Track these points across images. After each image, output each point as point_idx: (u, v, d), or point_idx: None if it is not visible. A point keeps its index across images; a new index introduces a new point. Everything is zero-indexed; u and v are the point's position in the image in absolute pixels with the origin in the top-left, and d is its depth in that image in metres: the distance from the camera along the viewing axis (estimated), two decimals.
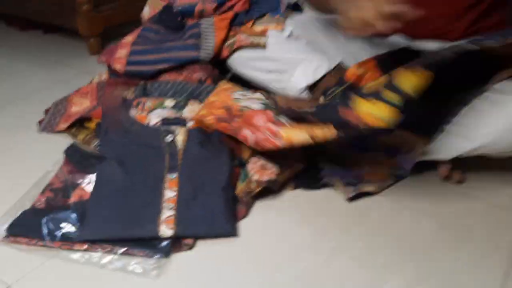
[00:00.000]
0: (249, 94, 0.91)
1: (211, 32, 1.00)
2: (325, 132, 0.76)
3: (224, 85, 0.95)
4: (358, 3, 0.76)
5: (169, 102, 0.94)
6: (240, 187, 0.81)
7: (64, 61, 1.46)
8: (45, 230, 0.73)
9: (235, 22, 1.03)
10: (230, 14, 1.02)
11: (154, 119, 0.92)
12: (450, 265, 0.69)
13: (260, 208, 0.81)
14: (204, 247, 0.73)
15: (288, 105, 0.91)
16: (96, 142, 0.94)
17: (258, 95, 0.91)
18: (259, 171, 0.80)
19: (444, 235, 0.75)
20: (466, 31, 0.93)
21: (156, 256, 0.70)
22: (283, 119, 0.83)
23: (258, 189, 0.80)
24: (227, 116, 0.85)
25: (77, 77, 1.31)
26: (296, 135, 0.77)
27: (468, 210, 0.80)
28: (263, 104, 0.87)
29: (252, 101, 0.87)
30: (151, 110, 0.93)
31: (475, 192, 0.84)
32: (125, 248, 0.71)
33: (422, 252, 0.72)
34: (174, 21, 1.09)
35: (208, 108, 0.88)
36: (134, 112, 0.92)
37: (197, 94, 0.97)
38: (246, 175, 0.82)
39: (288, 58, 0.99)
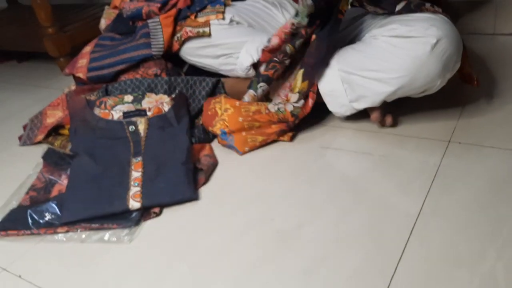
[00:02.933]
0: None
1: (159, 30, 1.11)
2: None
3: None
4: None
5: (128, 98, 1.05)
6: None
7: (39, 83, 1.57)
8: (30, 221, 0.83)
9: (180, 18, 1.13)
10: (173, 11, 1.12)
11: (116, 114, 1.02)
12: (379, 193, 0.79)
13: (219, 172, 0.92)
14: (170, 213, 0.83)
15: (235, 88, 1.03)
16: (70, 145, 1.04)
17: None
18: None
19: (377, 170, 0.85)
20: None
21: (128, 226, 0.80)
22: None
23: None
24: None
25: (53, 96, 1.39)
26: None
27: (399, 146, 0.90)
28: None
29: None
30: (112, 106, 1.03)
31: (406, 131, 0.94)
32: (100, 224, 0.81)
33: (355, 185, 0.81)
34: (126, 26, 1.19)
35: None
36: (97, 111, 1.02)
37: (153, 86, 1.07)
38: None
39: (232, 42, 1.09)
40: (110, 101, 1.03)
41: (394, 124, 0.96)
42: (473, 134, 0.89)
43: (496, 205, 0.71)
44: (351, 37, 1.10)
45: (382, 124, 0.96)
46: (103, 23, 1.30)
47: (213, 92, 1.10)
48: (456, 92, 1.01)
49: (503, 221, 0.68)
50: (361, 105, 0.93)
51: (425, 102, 0.97)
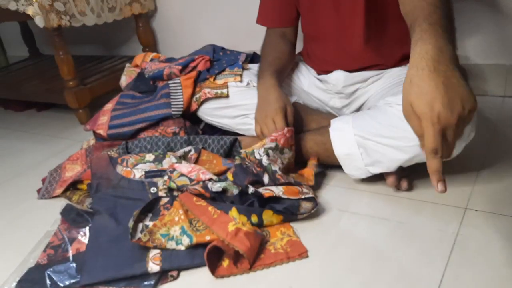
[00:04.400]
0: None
1: (179, 90, 1.15)
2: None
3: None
4: (267, 122, 1.03)
5: (149, 157, 1.07)
6: None
7: (58, 134, 1.60)
8: (48, 282, 0.84)
9: (199, 79, 1.17)
10: (194, 73, 1.17)
11: (138, 173, 1.04)
12: (399, 264, 0.78)
13: None
14: (187, 277, 0.83)
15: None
16: (88, 201, 1.05)
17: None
18: None
19: (395, 236, 0.85)
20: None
21: None
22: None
23: None
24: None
25: (71, 147, 1.44)
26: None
27: (416, 212, 0.91)
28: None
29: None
30: (134, 165, 1.05)
31: (422, 196, 0.95)
32: (118, 287, 0.81)
33: (374, 254, 0.81)
34: (147, 85, 1.24)
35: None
36: (119, 169, 1.04)
37: (173, 145, 1.10)
38: None
39: (249, 104, 1.13)
40: (131, 159, 1.06)
41: (410, 189, 0.97)
42: (489, 201, 0.90)
43: None
44: (364, 99, 1.13)
45: (397, 188, 0.97)
46: (124, 80, 1.35)
47: (230, 150, 1.12)
48: (471, 157, 1.02)
49: None
50: (376, 170, 0.95)
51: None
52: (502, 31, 1.23)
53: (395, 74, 1.08)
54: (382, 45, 1.07)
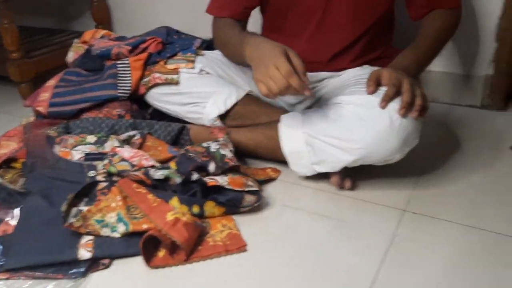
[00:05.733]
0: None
1: (128, 72, 1.10)
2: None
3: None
4: (269, 73, 0.87)
5: (91, 138, 1.02)
6: None
7: None
8: None
9: (149, 62, 1.13)
10: (144, 55, 1.12)
11: (77, 154, 0.99)
12: (338, 257, 0.79)
13: None
14: (120, 265, 0.80)
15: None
16: (22, 181, 0.99)
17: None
18: None
19: (335, 234, 0.85)
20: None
21: (73, 277, 0.76)
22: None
23: None
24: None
25: (10, 123, 1.35)
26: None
27: (357, 211, 0.92)
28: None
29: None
30: (73, 146, 1.00)
31: (363, 196, 0.96)
32: (45, 273, 0.77)
33: (316, 249, 0.82)
34: (94, 63, 1.18)
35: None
36: (57, 149, 0.99)
37: (117, 128, 1.05)
38: None
39: (200, 92, 1.10)
40: (71, 140, 1.00)
41: (353, 188, 0.98)
42: (428, 205, 0.92)
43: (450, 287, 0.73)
44: (318, 96, 1.13)
45: (341, 187, 0.97)
46: (71, 56, 1.28)
47: (177, 138, 1.09)
48: (413, 162, 1.04)
49: None
50: (322, 169, 0.95)
51: (384, 168, 0.99)
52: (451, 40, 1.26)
53: (352, 74, 1.08)
54: (353, 55, 1.10)
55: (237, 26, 1.10)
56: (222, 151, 0.96)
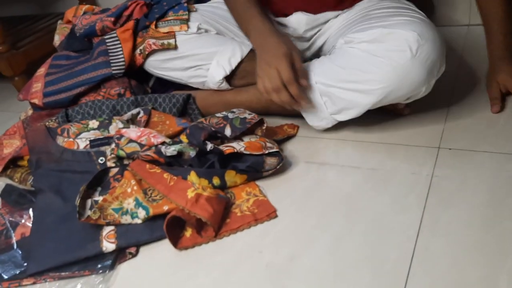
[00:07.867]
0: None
1: (118, 45, 1.02)
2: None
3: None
4: (269, 73, 0.86)
5: (93, 124, 0.96)
6: None
7: None
8: None
9: (139, 28, 1.03)
10: (131, 23, 1.03)
11: (82, 143, 0.93)
12: (373, 213, 0.73)
13: None
14: (147, 252, 0.76)
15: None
16: (31, 179, 0.95)
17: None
18: None
19: (367, 185, 0.79)
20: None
21: (101, 272, 0.72)
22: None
23: None
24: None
25: (10, 120, 1.30)
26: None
27: (387, 156, 0.85)
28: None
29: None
30: (77, 134, 0.94)
31: (392, 139, 0.89)
32: (71, 271, 0.73)
33: (346, 205, 0.76)
34: (82, 42, 1.10)
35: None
36: (60, 140, 0.93)
37: (119, 108, 0.99)
38: None
39: (201, 53, 1.01)
40: (73, 128, 0.94)
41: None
42: (462, 138, 0.85)
43: (500, 219, 0.67)
44: (323, 40, 1.04)
45: (399, 113, 0.93)
46: (57, 39, 1.20)
47: (184, 109, 1.02)
48: (440, 94, 0.96)
49: (510, 237, 0.64)
50: (343, 117, 0.88)
51: (409, 105, 0.92)
52: None
53: (358, 8, 0.98)
54: None
55: None
56: (241, 116, 0.89)
